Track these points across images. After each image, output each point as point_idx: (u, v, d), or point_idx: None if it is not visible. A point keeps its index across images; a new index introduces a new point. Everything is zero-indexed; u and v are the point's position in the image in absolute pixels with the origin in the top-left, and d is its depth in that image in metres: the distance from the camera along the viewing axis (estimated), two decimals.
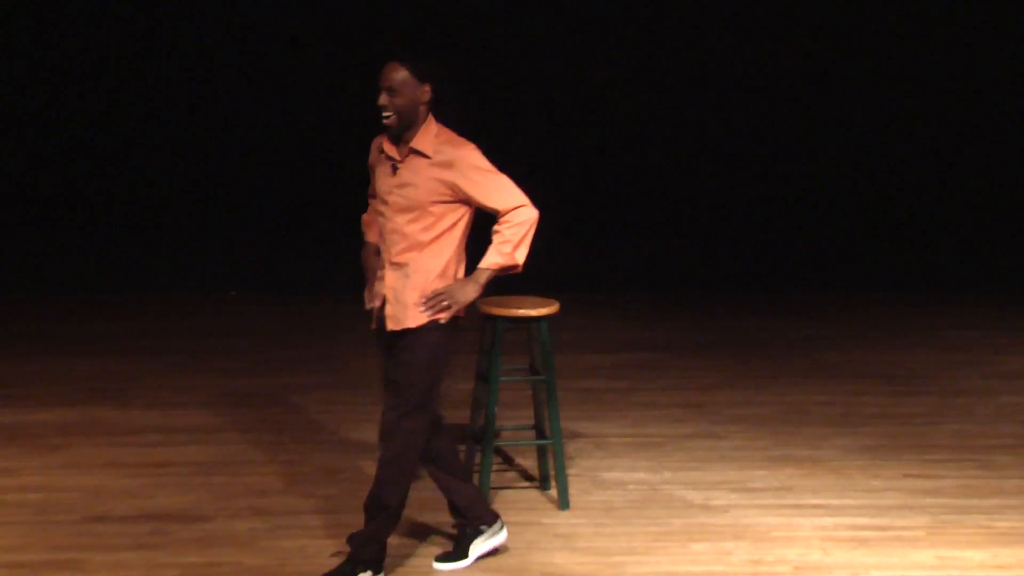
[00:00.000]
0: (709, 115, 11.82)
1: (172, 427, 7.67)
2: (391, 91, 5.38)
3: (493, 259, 5.52)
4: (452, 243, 5.53)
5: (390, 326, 5.52)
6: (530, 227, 5.58)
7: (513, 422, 7.25)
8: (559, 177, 11.84)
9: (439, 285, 5.50)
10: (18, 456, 7.14)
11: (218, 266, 11.28)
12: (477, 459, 6.61)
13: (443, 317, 5.45)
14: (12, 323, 10.21)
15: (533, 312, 6.40)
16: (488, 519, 5.88)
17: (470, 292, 5.50)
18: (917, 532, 6.25)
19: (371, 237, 5.76)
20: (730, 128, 11.83)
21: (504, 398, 6.80)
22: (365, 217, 5.80)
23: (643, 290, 11.42)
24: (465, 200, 5.49)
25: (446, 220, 5.49)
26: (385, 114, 5.41)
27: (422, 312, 5.46)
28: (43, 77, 11.55)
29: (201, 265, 11.33)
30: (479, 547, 5.85)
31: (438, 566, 5.79)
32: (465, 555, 5.83)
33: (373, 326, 5.62)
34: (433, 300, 5.45)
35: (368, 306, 5.63)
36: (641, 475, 7.00)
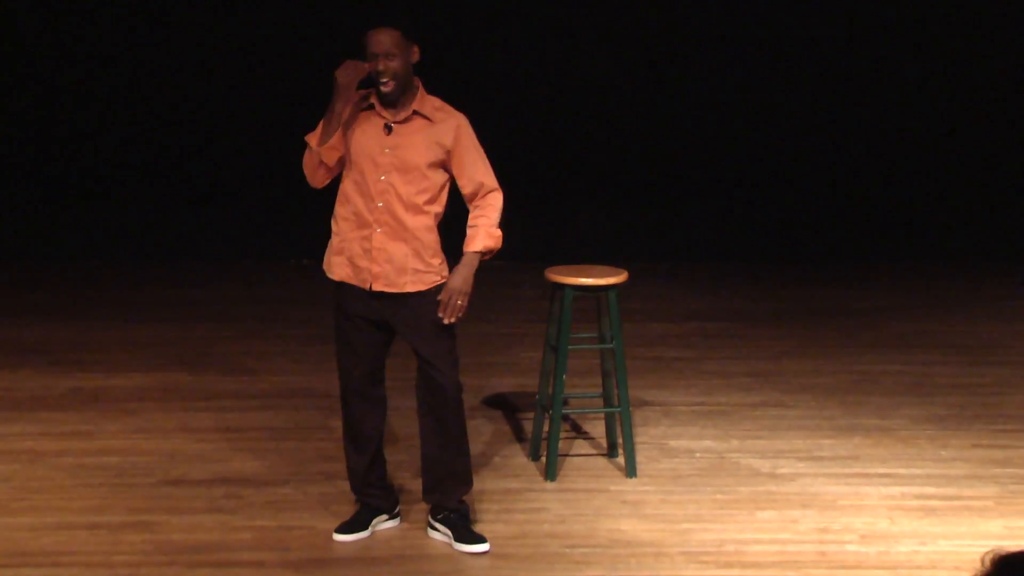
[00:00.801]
0: (772, 86, 11.76)
1: (246, 393, 7.79)
2: (389, 56, 5.39)
3: (485, 242, 5.53)
4: (440, 206, 5.58)
5: (379, 286, 5.55)
6: (502, 212, 5.62)
7: (582, 390, 7.34)
8: (628, 148, 11.86)
9: (436, 245, 5.56)
10: (96, 420, 7.28)
11: (292, 235, 11.40)
12: (546, 427, 6.66)
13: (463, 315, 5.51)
14: (90, 290, 10.37)
15: (603, 281, 6.45)
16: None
17: (471, 280, 5.52)
18: (986, 502, 6.27)
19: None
20: (796, 100, 11.77)
21: (573, 366, 6.86)
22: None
23: (712, 260, 11.45)
24: (449, 166, 5.54)
25: (436, 183, 5.53)
26: (384, 80, 5.41)
27: (447, 322, 5.50)
28: (116, 44, 11.66)
29: (275, 233, 11.45)
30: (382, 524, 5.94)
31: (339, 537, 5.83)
32: (365, 527, 5.88)
33: (341, 278, 5.60)
34: (450, 307, 5.49)
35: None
36: (708, 443, 7.05)
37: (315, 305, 9.75)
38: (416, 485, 6.07)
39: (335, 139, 5.49)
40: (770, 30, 11.73)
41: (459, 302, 5.49)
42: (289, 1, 11.60)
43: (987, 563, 2.77)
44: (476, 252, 5.53)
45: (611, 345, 6.55)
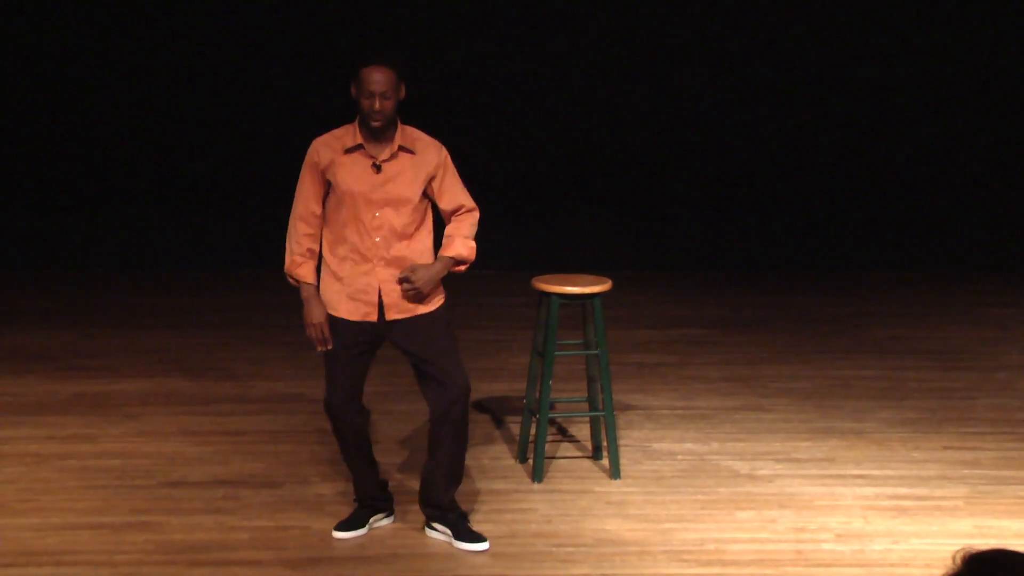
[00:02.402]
0: (756, 96, 11.82)
1: (244, 397, 7.88)
2: (385, 96, 5.53)
3: (459, 250, 5.76)
4: (428, 228, 5.79)
5: (393, 315, 5.70)
6: (477, 228, 5.87)
7: (567, 395, 7.43)
8: (613, 158, 11.93)
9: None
10: (99, 424, 7.36)
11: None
12: (533, 430, 6.77)
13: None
14: (93, 298, 10.40)
15: (588, 289, 6.56)
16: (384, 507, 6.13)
17: (435, 280, 5.71)
18: (956, 502, 6.37)
19: (311, 278, 5.79)
20: (776, 109, 11.83)
21: (559, 372, 7.00)
22: (296, 258, 5.79)
23: (694, 268, 11.52)
24: (431, 193, 5.75)
25: (422, 210, 5.75)
26: (377, 119, 5.56)
27: (423, 298, 5.70)
28: (116, 51, 11.68)
29: (273, 242, 11.48)
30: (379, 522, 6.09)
31: (338, 534, 5.98)
32: (363, 525, 6.03)
33: (354, 318, 5.73)
34: (409, 289, 5.65)
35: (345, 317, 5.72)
36: (690, 446, 7.15)
37: None
38: (408, 485, 6.19)
39: (316, 208, 5.77)
40: (752, 41, 11.76)
41: (417, 289, 5.66)
42: (282, 8, 11.66)
43: (958, 561, 2.80)
44: (450, 257, 5.76)
45: (596, 351, 6.66)
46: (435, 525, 5.97)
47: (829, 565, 5.72)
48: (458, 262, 5.78)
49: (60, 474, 6.62)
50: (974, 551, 2.81)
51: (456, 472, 5.97)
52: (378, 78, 5.54)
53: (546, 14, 11.76)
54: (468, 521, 5.98)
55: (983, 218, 11.90)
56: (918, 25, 11.79)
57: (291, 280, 5.85)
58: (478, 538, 5.87)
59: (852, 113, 11.90)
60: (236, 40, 11.65)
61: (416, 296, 5.68)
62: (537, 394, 6.75)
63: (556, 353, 6.66)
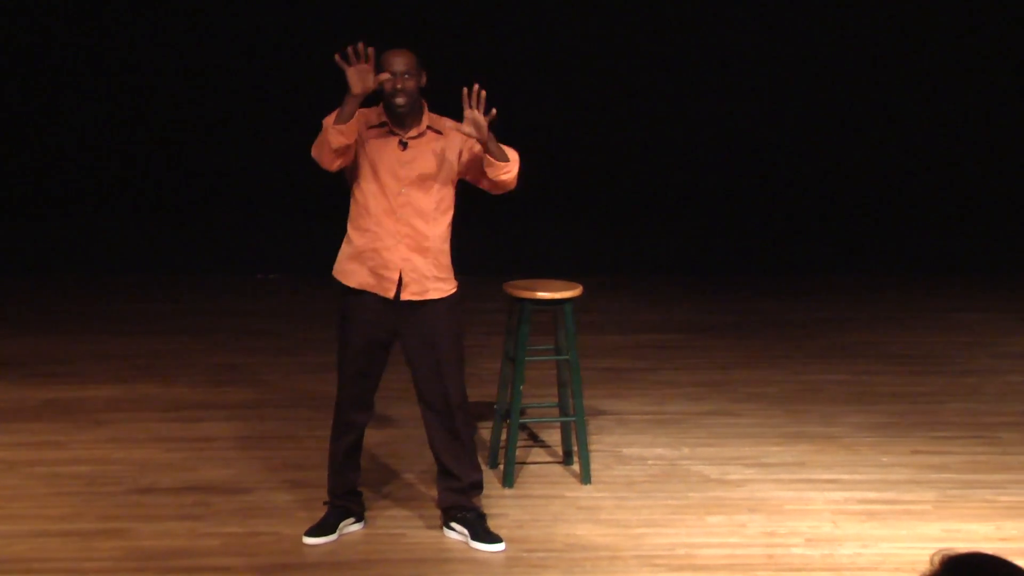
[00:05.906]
0: (731, 102, 11.85)
1: (215, 403, 7.86)
2: (407, 76, 5.67)
3: (510, 154, 5.79)
4: (450, 213, 5.86)
5: (407, 295, 5.77)
6: (517, 171, 5.83)
7: (538, 400, 7.42)
8: (584, 163, 11.96)
9: (449, 254, 5.84)
10: (69, 430, 7.33)
11: (259, 249, 11.44)
12: (504, 436, 6.78)
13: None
14: (62, 303, 10.38)
15: (558, 295, 6.59)
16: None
17: (492, 137, 5.75)
18: (925, 506, 6.40)
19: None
20: (751, 115, 11.87)
21: (530, 377, 6.96)
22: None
23: (665, 274, 11.54)
24: (465, 168, 5.81)
25: (449, 191, 5.83)
26: (400, 98, 5.66)
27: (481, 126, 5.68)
28: (87, 58, 11.64)
29: (243, 248, 11.46)
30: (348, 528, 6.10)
31: (308, 540, 5.97)
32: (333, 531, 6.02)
33: (373, 290, 5.79)
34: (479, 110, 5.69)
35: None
36: (660, 451, 7.16)
37: (281, 319, 9.88)
38: (387, 490, 6.22)
39: (347, 127, 5.63)
40: (726, 46, 11.81)
41: (481, 124, 5.70)
42: (262, 17, 11.65)
43: (936, 563, 2.82)
44: (503, 149, 5.78)
45: (567, 356, 6.68)
46: (453, 525, 6.01)
47: (799, 569, 5.75)
48: (504, 157, 5.75)
49: (29, 481, 6.59)
50: (952, 553, 2.82)
51: (478, 482, 6.05)
52: (400, 59, 5.68)
53: (518, 23, 11.78)
54: (486, 521, 6.00)
55: (953, 224, 11.95)
56: (892, 34, 11.86)
57: (331, 132, 5.64)
58: (495, 539, 5.91)
59: (824, 119, 11.95)
60: (207, 48, 11.65)
61: (478, 128, 5.67)
62: (508, 399, 6.77)
63: (527, 358, 6.68)
